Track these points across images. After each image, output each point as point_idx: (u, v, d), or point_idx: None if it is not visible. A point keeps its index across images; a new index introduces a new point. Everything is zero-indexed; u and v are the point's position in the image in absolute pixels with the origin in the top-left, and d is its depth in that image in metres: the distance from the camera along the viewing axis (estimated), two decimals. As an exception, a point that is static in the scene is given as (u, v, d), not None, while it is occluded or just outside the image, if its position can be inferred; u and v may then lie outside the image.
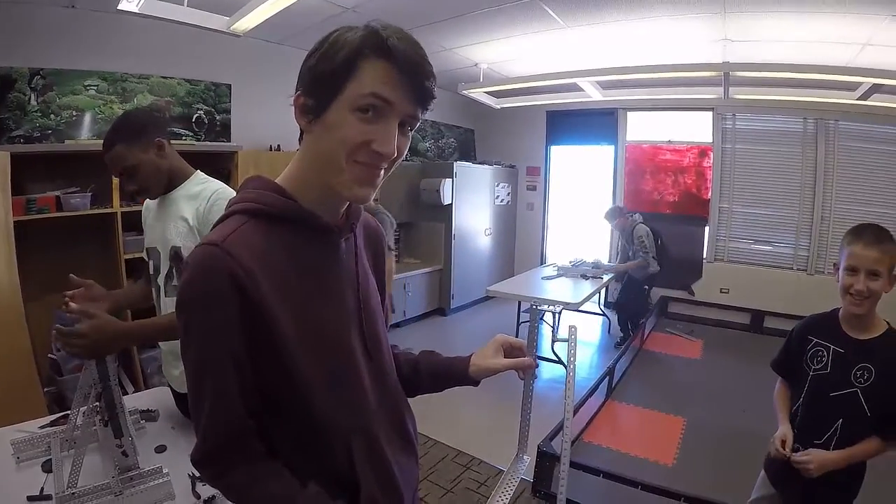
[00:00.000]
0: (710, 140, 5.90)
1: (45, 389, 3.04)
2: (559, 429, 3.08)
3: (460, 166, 6.15)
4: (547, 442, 2.81)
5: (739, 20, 3.61)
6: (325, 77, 0.74)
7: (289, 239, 0.80)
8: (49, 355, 3.08)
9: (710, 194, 5.98)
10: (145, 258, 1.75)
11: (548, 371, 4.50)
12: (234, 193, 0.92)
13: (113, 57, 3.66)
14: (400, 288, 5.59)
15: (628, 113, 6.38)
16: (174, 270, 1.61)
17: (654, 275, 5.14)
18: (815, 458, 1.53)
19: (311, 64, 0.76)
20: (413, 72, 0.73)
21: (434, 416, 3.54)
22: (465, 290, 6.43)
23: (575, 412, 3.28)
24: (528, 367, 1.04)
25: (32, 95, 3.32)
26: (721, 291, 5.94)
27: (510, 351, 1.05)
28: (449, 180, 5.90)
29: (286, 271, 0.79)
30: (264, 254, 0.76)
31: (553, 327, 4.92)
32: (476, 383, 1.05)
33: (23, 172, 3.00)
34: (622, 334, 5.35)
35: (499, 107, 5.87)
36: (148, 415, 1.72)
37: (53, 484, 1.32)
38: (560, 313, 4.57)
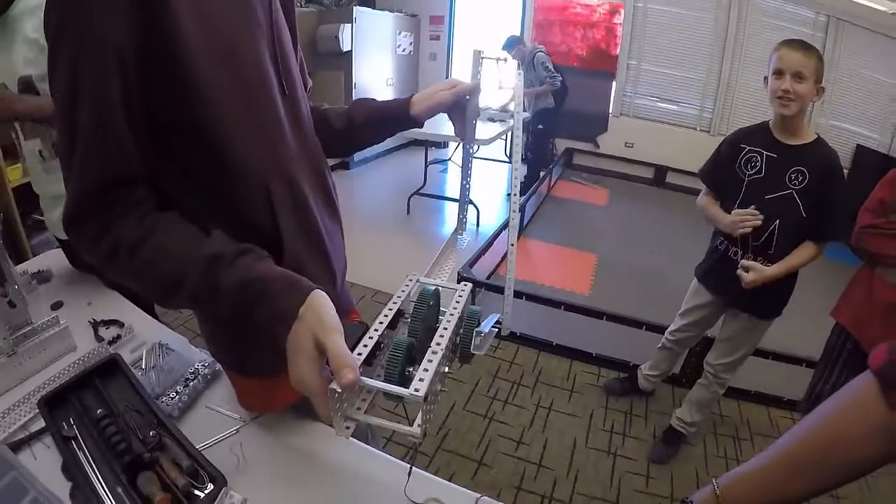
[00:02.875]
0: None
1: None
2: (479, 255, 3.16)
3: (360, 11, 5.61)
4: (466, 268, 2.83)
5: None
6: None
7: None
8: None
9: (618, 51, 5.91)
10: None
11: (454, 213, 4.51)
12: None
13: None
14: None
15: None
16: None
17: (549, 112, 5.05)
18: (756, 275, 1.60)
19: None
20: None
21: (350, 256, 3.45)
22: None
23: (489, 245, 3.34)
24: (472, 88, 0.88)
25: None
26: (626, 145, 6.12)
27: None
28: (348, 25, 5.39)
29: None
30: None
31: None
32: (420, 124, 0.92)
33: None
34: (522, 182, 5.39)
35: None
36: (40, 276, 1.46)
37: None
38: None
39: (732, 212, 1.65)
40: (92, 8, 0.55)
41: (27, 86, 1.27)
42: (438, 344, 0.55)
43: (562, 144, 6.31)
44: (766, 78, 1.61)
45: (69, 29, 0.56)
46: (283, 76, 0.76)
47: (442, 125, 4.25)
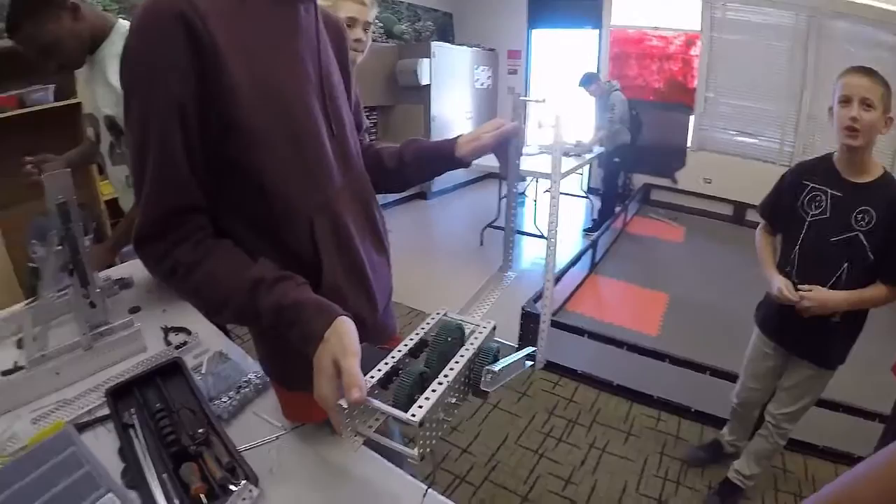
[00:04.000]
0: (699, 28, 5.55)
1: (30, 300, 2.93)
2: (543, 292, 3.10)
3: (438, 46, 5.78)
4: (531, 303, 2.79)
5: None
6: None
7: None
8: (28, 264, 2.95)
9: (695, 83, 5.71)
10: (86, 123, 1.59)
11: (530, 248, 4.51)
12: None
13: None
14: None
15: (612, -3, 5.99)
16: (116, 140, 1.46)
17: (626, 148, 4.95)
18: (816, 296, 1.50)
19: None
20: None
21: (414, 286, 3.55)
22: (447, 174, 6.25)
23: (557, 281, 3.27)
24: (513, 131, 0.93)
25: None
26: (704, 181, 5.86)
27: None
28: (426, 60, 5.57)
29: (239, 18, 0.70)
30: (217, 1, 0.67)
31: (534, 201, 4.85)
32: (466, 164, 0.98)
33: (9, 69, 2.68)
34: (595, 219, 5.28)
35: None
36: (122, 282, 1.63)
37: (25, 356, 1.23)
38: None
39: (778, 284, 1.57)
40: (157, 70, 0.64)
41: (112, 123, 1.43)
42: (446, 376, 0.58)
43: (640, 180, 6.14)
44: (830, 109, 1.51)
45: (139, 87, 0.67)
46: (333, 121, 0.84)
47: (525, 162, 4.32)
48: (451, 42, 6.70)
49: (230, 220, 0.77)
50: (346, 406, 0.53)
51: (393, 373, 0.62)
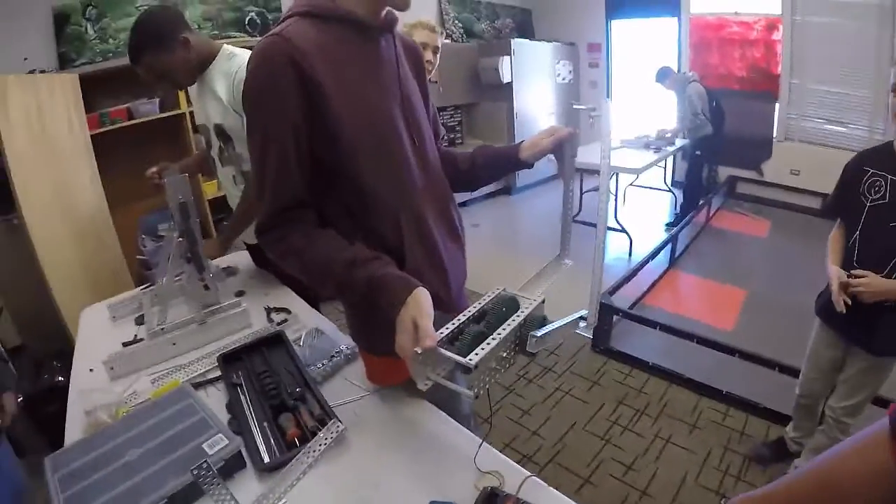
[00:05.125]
0: (780, 12, 5.21)
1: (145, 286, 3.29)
2: (621, 283, 3.13)
3: (518, 43, 5.81)
4: (607, 296, 2.84)
5: None
6: None
7: (336, 33, 0.89)
8: (137, 256, 3.34)
9: (779, 69, 5.37)
10: (199, 133, 1.83)
11: (612, 242, 4.47)
12: None
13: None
14: None
15: (690, -18, 5.76)
16: (224, 145, 1.68)
17: (708, 139, 4.77)
18: (871, 281, 1.47)
19: None
20: None
21: (495, 274, 3.64)
22: (530, 170, 6.28)
23: (634, 274, 3.32)
24: (568, 135, 1.07)
25: (88, 25, 3.41)
26: (791, 173, 5.52)
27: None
28: (507, 57, 5.62)
29: (335, 56, 0.87)
30: (316, 40, 0.85)
31: (615, 196, 4.74)
32: (530, 165, 1.12)
33: (93, 92, 3.10)
34: (678, 213, 5.13)
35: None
36: (229, 270, 1.89)
37: (145, 330, 1.47)
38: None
39: (829, 272, 1.57)
40: (274, 103, 0.84)
41: (220, 130, 1.65)
42: (499, 334, 0.71)
43: (726, 172, 5.86)
44: (892, 87, 1.46)
45: (261, 116, 0.87)
46: (413, 130, 1.00)
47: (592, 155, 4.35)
48: (531, 38, 6.70)
49: (333, 212, 0.95)
50: (420, 352, 0.68)
51: (458, 332, 0.78)
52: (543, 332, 0.76)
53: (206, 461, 0.84)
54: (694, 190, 5.06)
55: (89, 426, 1.11)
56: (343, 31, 0.90)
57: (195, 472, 0.82)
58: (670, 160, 5.53)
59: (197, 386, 1.23)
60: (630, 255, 4.26)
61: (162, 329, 1.45)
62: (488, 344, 0.70)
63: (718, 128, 4.79)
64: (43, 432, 2.05)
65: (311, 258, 0.89)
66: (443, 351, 0.71)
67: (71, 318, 2.30)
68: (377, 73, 0.94)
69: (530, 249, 4.50)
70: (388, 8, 0.95)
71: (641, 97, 6.52)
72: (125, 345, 1.44)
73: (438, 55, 2.16)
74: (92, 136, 2.97)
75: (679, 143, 4.90)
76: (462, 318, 0.80)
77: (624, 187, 5.02)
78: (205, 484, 0.82)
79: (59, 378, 2.25)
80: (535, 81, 6.13)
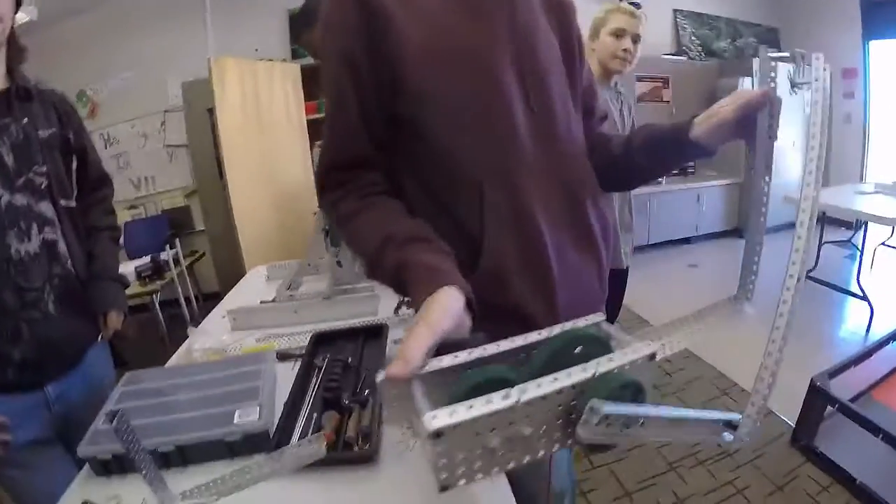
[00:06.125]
0: None
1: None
2: (847, 365, 2.29)
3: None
4: (824, 378, 2.10)
5: None
6: None
7: None
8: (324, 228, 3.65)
9: None
10: None
11: (851, 311, 3.48)
12: None
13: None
14: (693, 200, 5.07)
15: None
16: None
17: None
18: None
19: None
20: None
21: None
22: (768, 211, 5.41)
23: (867, 356, 2.40)
24: (760, 100, 0.68)
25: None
26: None
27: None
28: (748, 79, 4.83)
29: None
30: None
31: (859, 253, 3.62)
32: (707, 150, 0.75)
33: (314, 82, 3.37)
34: None
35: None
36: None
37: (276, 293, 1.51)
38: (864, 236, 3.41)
39: None
40: (329, 28, 0.70)
41: None
42: (523, 391, 0.41)
43: None
44: None
45: (322, 47, 0.72)
46: (531, 90, 0.75)
47: (855, 202, 3.39)
48: (776, 56, 5.70)
49: (406, 179, 0.76)
50: (381, 380, 0.44)
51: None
52: (618, 410, 0.42)
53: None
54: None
55: (184, 358, 1.20)
56: None
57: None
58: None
59: (287, 357, 1.18)
60: (868, 330, 3.18)
61: (291, 296, 1.45)
62: (489, 402, 0.39)
63: None
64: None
65: (353, 228, 0.71)
66: (417, 389, 0.45)
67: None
68: (479, 12, 0.72)
69: (754, 303, 3.60)
70: None
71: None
72: (261, 302, 1.47)
73: (639, 46, 1.84)
74: (309, 120, 3.27)
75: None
76: (505, 344, 0.52)
77: (875, 244, 3.85)
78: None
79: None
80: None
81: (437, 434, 0.37)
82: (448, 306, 0.52)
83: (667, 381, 2.70)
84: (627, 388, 0.46)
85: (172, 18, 4.10)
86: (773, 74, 0.66)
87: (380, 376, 0.45)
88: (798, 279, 0.53)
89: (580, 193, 0.80)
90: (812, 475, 1.99)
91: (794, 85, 0.68)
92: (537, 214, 0.74)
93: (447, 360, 0.48)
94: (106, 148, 4.24)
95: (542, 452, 0.45)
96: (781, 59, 0.66)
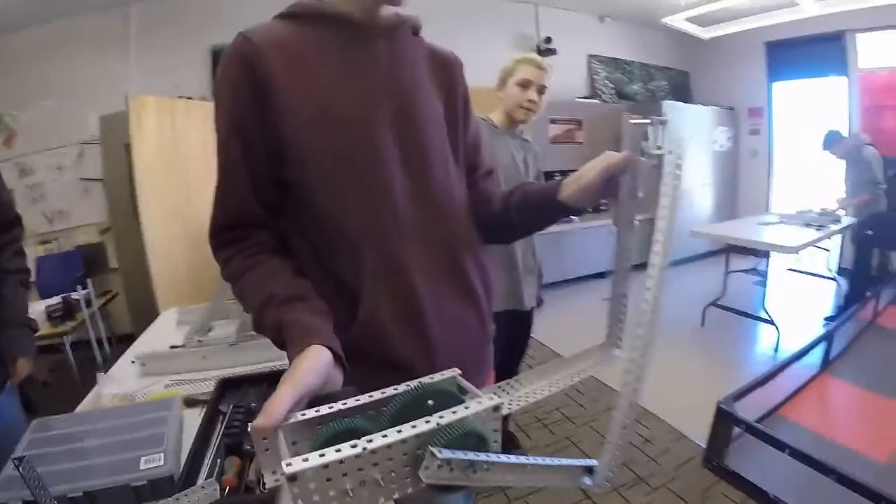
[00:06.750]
0: None
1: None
2: (753, 386, 2.51)
3: (670, 106, 5.37)
4: (729, 401, 2.29)
5: None
6: None
7: (318, 33, 0.77)
8: None
9: None
10: None
11: (758, 335, 3.83)
12: None
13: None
14: (606, 236, 5.18)
15: (857, 35, 4.99)
16: None
17: (881, 217, 3.90)
18: None
19: None
20: None
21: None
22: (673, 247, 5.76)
23: (772, 377, 2.65)
24: (623, 164, 0.74)
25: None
26: None
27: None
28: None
29: (304, 54, 0.75)
30: (282, 39, 0.74)
31: (765, 279, 3.99)
32: (572, 211, 0.82)
33: None
34: (841, 305, 4.22)
35: (708, 37, 5.00)
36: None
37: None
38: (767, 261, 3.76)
39: None
40: (222, 96, 0.74)
41: None
42: (370, 440, 0.49)
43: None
44: None
45: (216, 109, 0.75)
46: (409, 147, 0.80)
47: (759, 232, 3.70)
48: (687, 101, 6.23)
49: (293, 238, 0.81)
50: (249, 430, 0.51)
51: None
52: (455, 456, 0.49)
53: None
54: (860, 278, 4.16)
55: (93, 403, 1.23)
56: (326, 32, 0.77)
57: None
58: (837, 243, 4.66)
59: (195, 402, 1.20)
60: (776, 351, 3.54)
61: (199, 342, 1.46)
62: (337, 451, 0.46)
63: (894, 204, 3.91)
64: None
65: (242, 287, 0.74)
66: (280, 441, 0.52)
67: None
68: (362, 77, 0.78)
69: (666, 335, 3.80)
70: (397, 10, 0.81)
71: (806, 168, 5.72)
72: (171, 347, 1.47)
73: (544, 97, 1.91)
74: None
75: (846, 220, 4.05)
76: (352, 402, 0.57)
77: (779, 270, 4.25)
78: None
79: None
80: (689, 148, 5.56)
81: (293, 478, 0.44)
82: (314, 363, 0.58)
83: (581, 412, 2.82)
84: (468, 437, 0.53)
85: (98, 49, 4.01)
86: (637, 139, 0.74)
87: (250, 427, 0.51)
88: (645, 345, 0.64)
89: (459, 250, 0.85)
90: (726, 493, 2.11)
91: (643, 153, 0.73)
92: (413, 273, 0.79)
93: (310, 413, 0.54)
94: (20, 178, 4.05)
95: (396, 494, 0.52)
96: (644, 125, 0.74)
